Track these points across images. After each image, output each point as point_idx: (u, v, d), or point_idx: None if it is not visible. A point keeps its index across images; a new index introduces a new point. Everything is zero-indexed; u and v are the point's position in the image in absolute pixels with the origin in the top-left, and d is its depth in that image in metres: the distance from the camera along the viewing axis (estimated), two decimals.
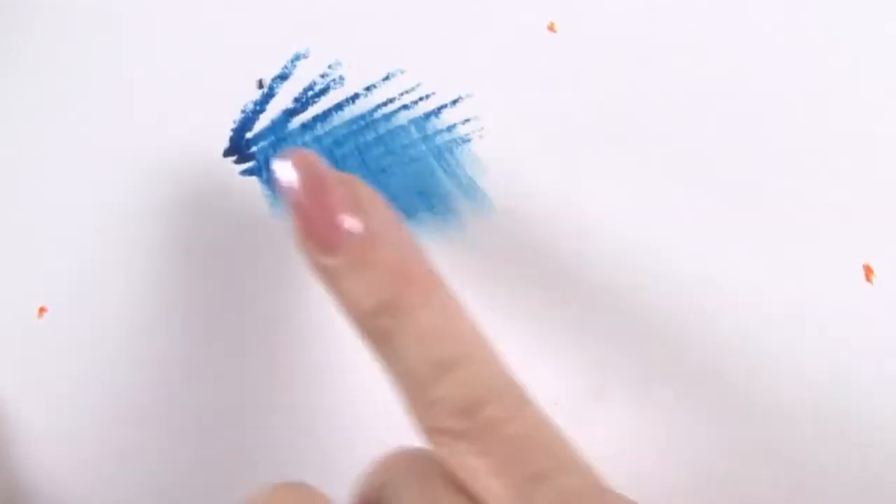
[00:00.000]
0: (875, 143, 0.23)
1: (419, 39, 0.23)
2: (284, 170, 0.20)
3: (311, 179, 0.20)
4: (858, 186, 0.23)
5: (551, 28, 0.23)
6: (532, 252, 0.24)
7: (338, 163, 0.23)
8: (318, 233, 0.20)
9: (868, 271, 0.23)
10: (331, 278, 0.20)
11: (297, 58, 0.23)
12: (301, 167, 0.21)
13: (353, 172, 0.23)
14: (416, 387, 0.19)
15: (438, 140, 0.24)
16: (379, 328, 0.19)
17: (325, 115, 0.23)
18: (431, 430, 0.19)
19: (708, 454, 0.24)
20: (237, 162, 0.24)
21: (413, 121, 0.23)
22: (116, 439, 0.25)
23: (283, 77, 0.23)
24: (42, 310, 0.24)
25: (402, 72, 0.23)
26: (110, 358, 0.24)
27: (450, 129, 0.24)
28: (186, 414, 0.25)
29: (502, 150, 0.24)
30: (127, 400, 0.25)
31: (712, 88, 0.23)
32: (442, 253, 0.24)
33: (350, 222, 0.20)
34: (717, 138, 0.23)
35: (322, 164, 0.21)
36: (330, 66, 0.23)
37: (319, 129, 0.23)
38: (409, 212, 0.24)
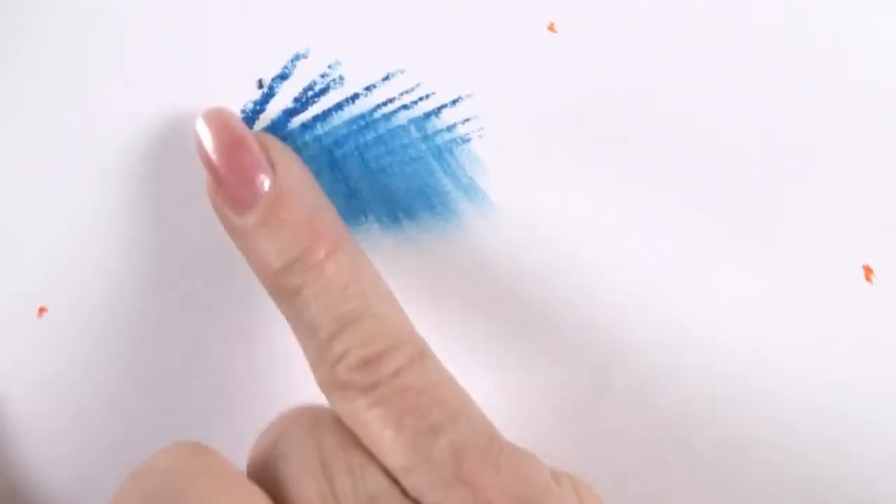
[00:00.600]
0: (875, 143, 0.23)
1: (419, 39, 0.23)
2: (199, 129, 0.20)
3: (224, 139, 0.20)
4: (858, 186, 0.23)
5: (551, 28, 0.23)
6: (532, 252, 0.24)
7: (338, 162, 0.23)
8: (230, 192, 0.20)
9: (868, 271, 0.23)
10: (243, 238, 0.20)
11: (296, 57, 0.23)
12: (215, 127, 0.20)
13: (353, 172, 0.23)
14: (319, 342, 0.19)
15: (438, 140, 0.24)
16: (286, 285, 0.19)
17: (324, 115, 0.23)
18: (332, 385, 0.18)
19: (706, 454, 0.24)
20: None
21: (413, 120, 0.23)
22: (117, 439, 0.25)
23: (282, 77, 0.23)
24: (42, 310, 0.24)
25: (402, 72, 0.23)
26: (110, 358, 0.24)
27: (450, 128, 0.24)
28: (187, 414, 0.25)
29: (502, 149, 0.24)
30: (127, 400, 0.25)
31: (713, 88, 0.23)
32: (442, 253, 0.24)
33: (261, 181, 0.20)
34: (718, 138, 0.23)
35: (237, 122, 0.21)
36: (330, 66, 0.23)
37: (319, 129, 0.23)
38: (409, 212, 0.24)
